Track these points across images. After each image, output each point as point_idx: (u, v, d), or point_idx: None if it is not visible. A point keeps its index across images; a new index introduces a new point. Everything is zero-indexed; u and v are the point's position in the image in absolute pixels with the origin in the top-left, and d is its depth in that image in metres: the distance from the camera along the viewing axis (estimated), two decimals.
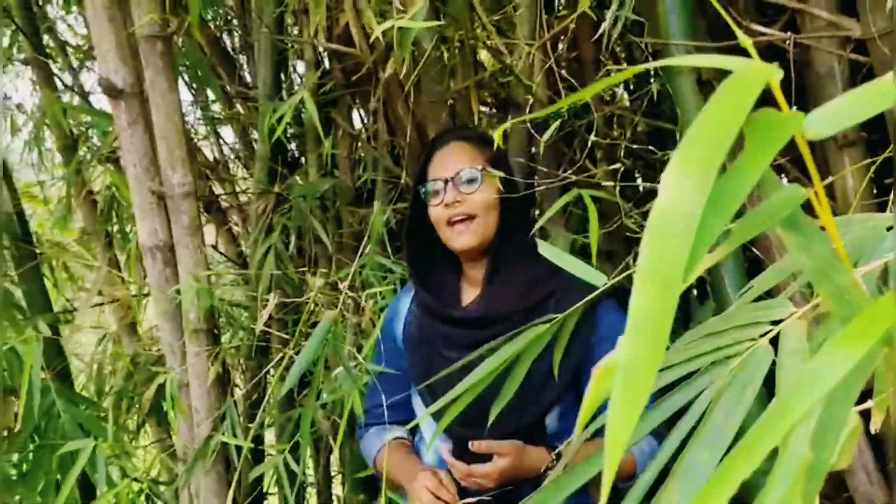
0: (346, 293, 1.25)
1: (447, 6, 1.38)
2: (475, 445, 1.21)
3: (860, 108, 0.35)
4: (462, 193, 1.30)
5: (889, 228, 0.70)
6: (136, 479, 2.02)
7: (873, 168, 1.25)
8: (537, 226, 1.29)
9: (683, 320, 2.16)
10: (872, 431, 0.62)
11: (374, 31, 1.37)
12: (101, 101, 3.10)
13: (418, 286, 1.40)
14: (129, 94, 1.40)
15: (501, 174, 1.30)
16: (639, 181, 2.15)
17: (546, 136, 0.95)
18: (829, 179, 1.37)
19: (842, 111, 0.36)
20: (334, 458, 2.48)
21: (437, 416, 1.36)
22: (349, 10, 1.38)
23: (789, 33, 1.34)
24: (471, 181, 1.30)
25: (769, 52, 1.79)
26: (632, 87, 2.24)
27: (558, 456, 1.19)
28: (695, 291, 2.22)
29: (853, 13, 1.39)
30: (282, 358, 1.41)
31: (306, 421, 1.36)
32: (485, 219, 1.30)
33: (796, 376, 0.30)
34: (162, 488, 2.13)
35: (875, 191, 1.64)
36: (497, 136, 0.75)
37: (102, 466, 1.31)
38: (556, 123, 1.14)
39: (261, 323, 1.31)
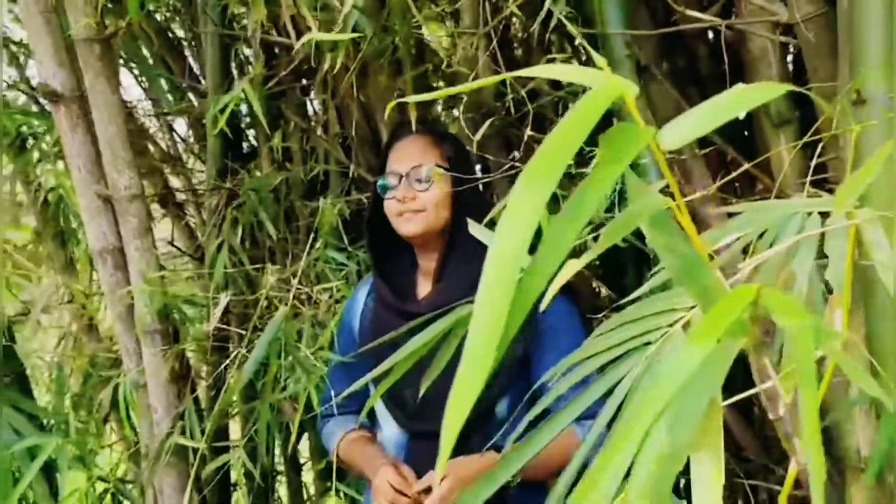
0: (299, 287, 1.27)
1: None
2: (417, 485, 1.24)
3: (707, 120, 0.38)
4: (414, 190, 1.32)
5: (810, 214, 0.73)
6: (102, 479, 2.03)
7: (798, 145, 1.29)
8: (487, 218, 1.31)
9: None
10: (780, 414, 0.66)
11: (311, 25, 1.37)
12: None
13: (377, 277, 1.42)
14: (69, 97, 1.39)
15: (455, 173, 1.32)
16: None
17: (483, 129, 0.97)
18: (762, 158, 1.42)
19: (691, 124, 0.39)
20: (303, 445, 2.51)
21: (388, 402, 1.39)
22: (284, 4, 1.38)
23: (721, 20, 1.38)
24: (424, 180, 1.32)
25: (707, 34, 1.83)
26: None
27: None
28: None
29: None
30: (238, 354, 1.43)
31: (264, 415, 1.38)
32: (435, 213, 1.33)
33: (651, 374, 0.33)
34: (129, 487, 2.14)
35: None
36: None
37: (65, 466, 1.31)
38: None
39: (213, 322, 1.33)
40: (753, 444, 1.68)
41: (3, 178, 1.71)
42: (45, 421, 1.52)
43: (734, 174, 0.87)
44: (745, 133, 1.95)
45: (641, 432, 0.33)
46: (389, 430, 1.43)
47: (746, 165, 1.22)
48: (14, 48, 2.60)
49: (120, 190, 1.43)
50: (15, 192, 2.00)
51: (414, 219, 1.33)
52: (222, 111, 1.49)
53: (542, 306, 0.48)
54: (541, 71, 0.39)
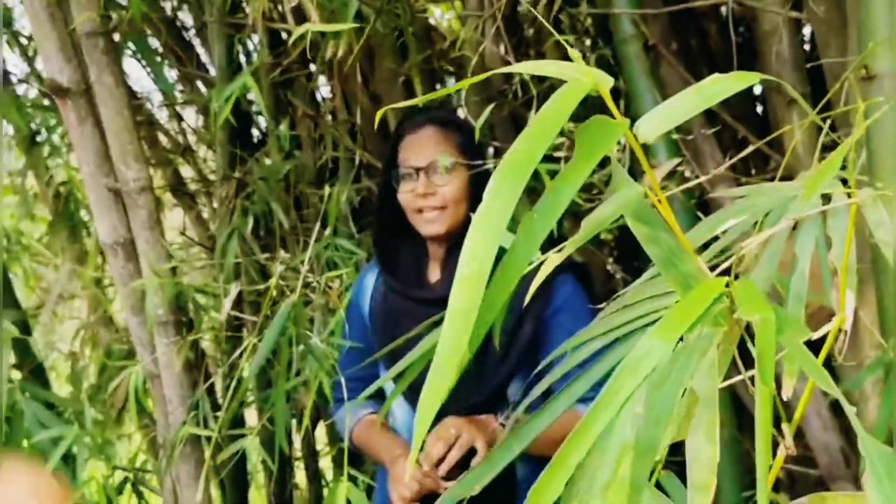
0: (307, 276, 1.27)
1: None
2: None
3: (680, 111, 0.38)
4: (435, 185, 1.31)
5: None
6: (121, 469, 2.06)
7: (806, 123, 1.27)
8: None
9: None
10: (784, 398, 0.65)
11: (313, 12, 1.36)
12: None
13: (382, 268, 1.42)
14: (76, 92, 1.40)
15: (474, 161, 1.30)
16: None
17: (486, 113, 0.96)
18: (773, 135, 1.40)
19: (666, 114, 0.38)
20: (319, 431, 2.53)
21: (403, 392, 1.39)
22: None
23: None
24: (444, 173, 1.30)
25: (719, 12, 1.81)
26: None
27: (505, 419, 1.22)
28: None
29: None
30: (250, 344, 1.43)
31: (278, 403, 1.39)
32: (455, 209, 1.31)
33: (620, 367, 0.33)
34: (149, 476, 2.16)
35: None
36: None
37: (83, 456, 1.33)
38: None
39: (224, 312, 1.33)
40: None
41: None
42: (62, 411, 1.53)
43: (744, 153, 0.85)
44: (759, 111, 1.92)
45: (603, 425, 0.33)
46: (401, 412, 1.43)
47: (757, 144, 1.21)
48: (24, 42, 2.61)
49: (129, 182, 1.44)
50: (26, 185, 2.01)
51: (438, 219, 1.31)
52: (227, 101, 1.48)
53: (527, 298, 0.47)
54: (517, 68, 0.39)
